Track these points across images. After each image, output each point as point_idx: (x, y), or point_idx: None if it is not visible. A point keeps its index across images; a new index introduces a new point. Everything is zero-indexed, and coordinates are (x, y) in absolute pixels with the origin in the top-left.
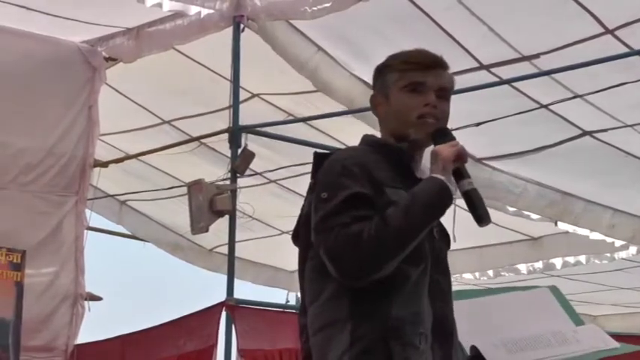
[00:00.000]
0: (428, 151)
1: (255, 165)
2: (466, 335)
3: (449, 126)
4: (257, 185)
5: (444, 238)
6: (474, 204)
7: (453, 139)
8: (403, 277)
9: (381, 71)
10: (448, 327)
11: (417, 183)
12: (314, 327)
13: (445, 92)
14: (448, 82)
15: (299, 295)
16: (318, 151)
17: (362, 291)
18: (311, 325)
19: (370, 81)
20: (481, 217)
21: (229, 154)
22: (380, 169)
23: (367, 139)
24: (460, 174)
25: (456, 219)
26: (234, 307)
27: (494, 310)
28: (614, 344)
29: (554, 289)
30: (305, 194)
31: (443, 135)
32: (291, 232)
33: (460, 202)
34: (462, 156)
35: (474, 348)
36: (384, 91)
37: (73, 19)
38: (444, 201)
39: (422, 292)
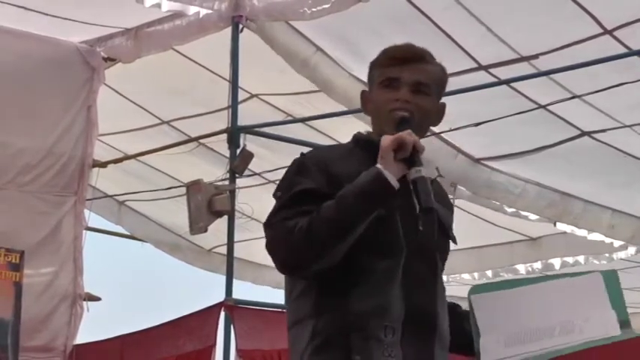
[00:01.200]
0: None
1: (253, 165)
2: (483, 329)
3: (448, 126)
4: (256, 185)
5: (441, 230)
6: (416, 192)
7: (408, 128)
8: (367, 270)
9: (370, 68)
10: (428, 318)
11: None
12: (288, 324)
13: (422, 86)
14: (427, 76)
15: None
16: (304, 152)
17: (326, 286)
18: (288, 323)
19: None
20: (421, 207)
21: (228, 155)
22: (347, 164)
23: (354, 136)
24: (412, 163)
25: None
26: (233, 307)
27: (527, 300)
28: (616, 332)
29: (608, 275)
30: None
31: (401, 124)
32: None
33: (458, 202)
34: (402, 144)
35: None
36: (370, 87)
37: (71, 20)
38: (377, 189)
39: (391, 284)
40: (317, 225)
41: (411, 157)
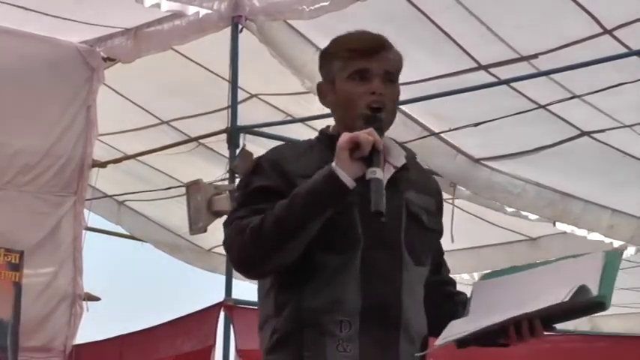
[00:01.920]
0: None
1: None
2: (472, 312)
3: (449, 126)
4: None
5: (413, 220)
6: (369, 194)
7: (375, 126)
8: (319, 266)
9: (324, 58)
10: (390, 310)
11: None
12: (259, 326)
13: (391, 76)
14: (393, 64)
15: None
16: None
17: (283, 284)
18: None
19: None
20: (374, 208)
21: (227, 155)
22: (305, 161)
23: (319, 131)
24: (370, 161)
25: (454, 220)
26: (232, 307)
27: (522, 283)
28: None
29: (611, 256)
30: None
31: (367, 122)
32: None
33: (457, 202)
34: (357, 143)
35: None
36: (329, 79)
37: (71, 20)
38: (329, 188)
39: (346, 278)
40: (267, 224)
41: (369, 156)
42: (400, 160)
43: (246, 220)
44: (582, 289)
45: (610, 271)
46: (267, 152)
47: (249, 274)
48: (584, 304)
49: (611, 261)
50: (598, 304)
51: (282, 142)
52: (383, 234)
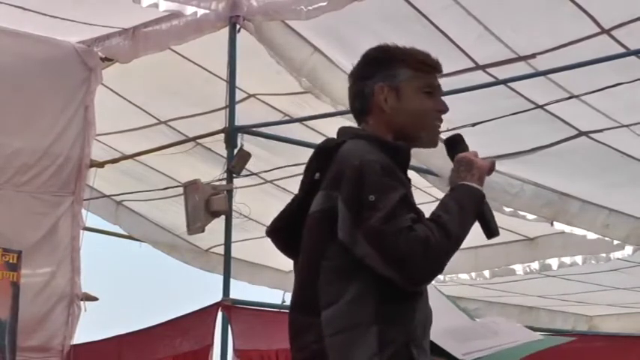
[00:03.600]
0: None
1: (251, 165)
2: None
3: (446, 126)
4: (253, 185)
5: None
6: (486, 218)
7: (467, 146)
8: None
9: (386, 63)
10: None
11: (409, 183)
12: (333, 328)
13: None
14: None
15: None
16: (322, 145)
17: (389, 295)
18: (328, 326)
19: None
20: (492, 232)
21: (225, 155)
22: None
23: (359, 134)
24: None
25: None
26: (230, 307)
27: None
28: (538, 336)
29: (433, 287)
30: None
31: (459, 143)
32: None
33: None
34: (493, 170)
35: None
36: (392, 84)
37: (69, 20)
38: (479, 212)
39: (427, 297)
40: (450, 239)
41: None
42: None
43: (419, 231)
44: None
45: (454, 303)
46: (370, 152)
47: (424, 284)
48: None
49: (441, 292)
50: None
51: (279, 142)
52: None
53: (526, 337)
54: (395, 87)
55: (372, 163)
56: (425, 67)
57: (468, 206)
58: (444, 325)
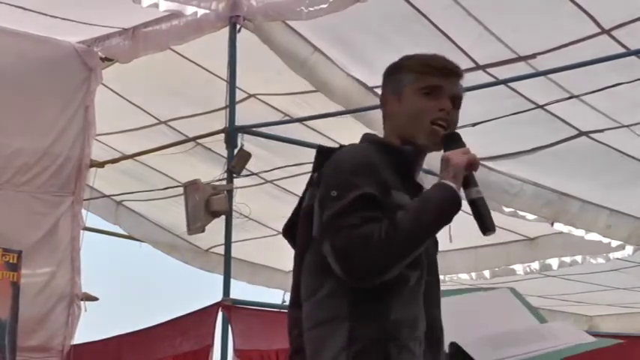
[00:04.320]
0: (431, 156)
1: (251, 165)
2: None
3: None
4: (253, 185)
5: (434, 241)
6: (480, 213)
7: (464, 145)
8: (403, 280)
9: (394, 70)
10: (437, 332)
11: (417, 187)
12: (309, 323)
13: (458, 101)
14: (461, 92)
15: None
16: (323, 145)
17: (362, 291)
18: (306, 321)
19: (366, 81)
20: (487, 227)
21: (225, 155)
22: (385, 171)
23: (370, 138)
24: (468, 182)
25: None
26: (230, 307)
27: (463, 309)
28: (590, 338)
29: (513, 291)
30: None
31: (454, 141)
32: None
33: None
34: (473, 165)
35: (453, 345)
36: (396, 90)
37: (69, 20)
38: (453, 209)
39: (418, 297)
40: (397, 237)
41: (468, 175)
42: (420, 179)
43: (363, 229)
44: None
45: (529, 306)
46: (355, 153)
47: (362, 283)
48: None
49: (518, 295)
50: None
51: (279, 142)
52: (431, 257)
53: (572, 341)
54: (397, 92)
55: (345, 162)
56: (426, 68)
57: (433, 204)
58: (491, 331)
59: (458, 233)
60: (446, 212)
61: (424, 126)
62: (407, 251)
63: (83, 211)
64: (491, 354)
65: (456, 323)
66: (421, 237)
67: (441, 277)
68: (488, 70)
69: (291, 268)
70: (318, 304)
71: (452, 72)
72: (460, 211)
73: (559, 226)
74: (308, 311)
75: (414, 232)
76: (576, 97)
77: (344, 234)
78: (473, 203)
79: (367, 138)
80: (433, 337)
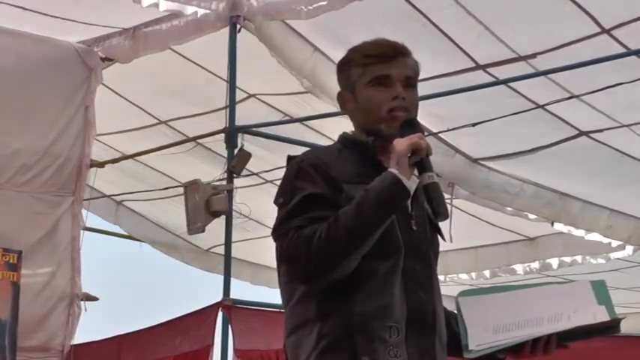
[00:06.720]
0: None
1: (251, 165)
2: (472, 325)
3: (447, 125)
4: (253, 185)
5: (432, 229)
6: (431, 198)
7: (419, 131)
8: (369, 272)
9: (344, 67)
10: (428, 317)
11: (369, 176)
12: (287, 329)
13: (411, 80)
14: (412, 69)
15: None
16: (291, 154)
17: (328, 291)
18: (286, 326)
19: None
20: (437, 213)
21: (226, 155)
22: (341, 166)
23: (340, 137)
24: (423, 167)
25: (453, 220)
26: (230, 307)
27: (514, 301)
28: (605, 317)
29: (598, 284)
30: None
31: (409, 127)
32: None
33: (456, 202)
34: (418, 149)
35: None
36: (349, 87)
37: (69, 20)
38: (395, 195)
39: (392, 285)
40: (337, 233)
41: (421, 161)
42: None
43: (307, 229)
44: (604, 313)
45: (605, 298)
46: (304, 156)
47: (313, 283)
48: (605, 325)
49: (599, 288)
50: (614, 327)
51: (279, 142)
52: (418, 243)
53: (586, 320)
54: (351, 89)
55: (291, 167)
56: (370, 59)
57: (372, 194)
58: (506, 320)
59: (458, 233)
60: (385, 199)
61: (383, 116)
62: (350, 245)
63: (83, 211)
64: (487, 338)
65: (493, 312)
66: (362, 228)
67: (441, 277)
68: (489, 69)
69: None
70: (292, 310)
71: (395, 55)
72: (460, 211)
73: (559, 226)
74: (286, 318)
75: (355, 225)
76: (576, 97)
77: (289, 237)
78: (425, 188)
79: (339, 137)
80: (420, 323)
